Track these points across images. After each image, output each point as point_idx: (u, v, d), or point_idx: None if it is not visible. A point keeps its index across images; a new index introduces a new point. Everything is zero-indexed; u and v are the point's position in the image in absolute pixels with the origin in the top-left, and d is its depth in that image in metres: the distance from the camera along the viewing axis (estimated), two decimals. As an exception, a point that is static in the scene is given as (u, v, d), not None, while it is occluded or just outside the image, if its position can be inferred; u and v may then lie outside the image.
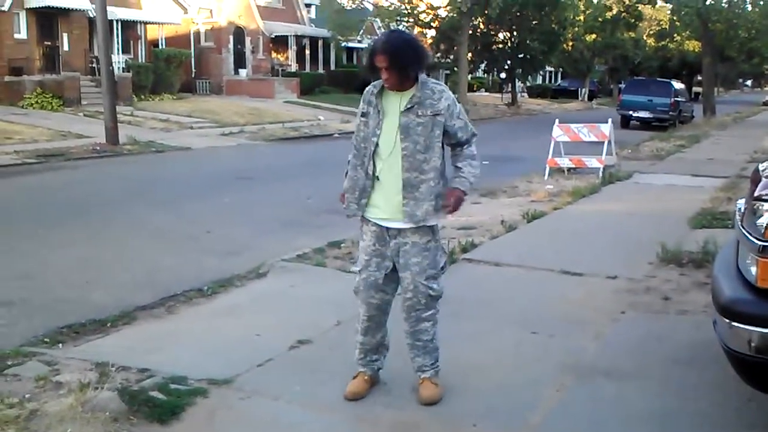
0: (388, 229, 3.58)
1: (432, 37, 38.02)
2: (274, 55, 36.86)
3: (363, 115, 3.60)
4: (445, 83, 29.09)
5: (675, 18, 34.88)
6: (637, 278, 5.89)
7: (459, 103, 3.65)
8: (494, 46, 39.94)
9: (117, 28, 25.55)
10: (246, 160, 15.81)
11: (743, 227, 3.25)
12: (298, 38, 37.65)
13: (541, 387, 3.89)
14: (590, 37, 46.38)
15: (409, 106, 3.48)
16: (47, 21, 24.36)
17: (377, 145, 3.53)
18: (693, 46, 50.11)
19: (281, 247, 7.09)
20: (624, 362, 4.21)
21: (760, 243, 2.99)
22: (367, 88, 3.62)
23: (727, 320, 3.06)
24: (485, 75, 51.17)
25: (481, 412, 3.59)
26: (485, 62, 42.41)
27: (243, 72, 33.53)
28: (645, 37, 54.64)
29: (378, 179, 3.56)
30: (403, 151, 3.50)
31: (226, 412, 3.53)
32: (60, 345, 4.55)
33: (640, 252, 6.64)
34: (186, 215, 9.19)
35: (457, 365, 4.02)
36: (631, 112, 27.55)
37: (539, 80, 60.10)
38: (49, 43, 24.68)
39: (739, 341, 3.02)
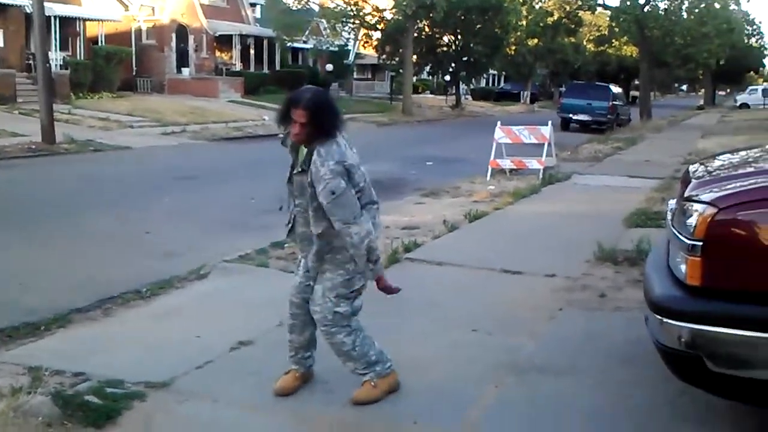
0: None
1: (377, 39, 38.17)
2: (218, 54, 36.37)
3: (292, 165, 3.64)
4: (391, 85, 29.08)
5: (614, 24, 35.71)
6: (574, 276, 6.03)
7: (335, 183, 3.34)
8: (439, 49, 40.27)
9: (55, 25, 24.78)
10: (188, 159, 15.56)
11: (674, 226, 3.36)
12: (243, 37, 37.24)
13: (480, 384, 3.95)
14: (532, 42, 47.16)
15: (302, 168, 3.50)
16: (-20, 16, 23.55)
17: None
18: (631, 51, 51.55)
19: (223, 247, 7.01)
20: (560, 359, 4.31)
21: (689, 242, 3.10)
22: (282, 137, 3.64)
23: (658, 316, 3.16)
24: (430, 77, 51.56)
25: (422, 409, 3.63)
26: (430, 65, 42.73)
27: (186, 71, 32.98)
28: (585, 43, 55.87)
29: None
30: (297, 207, 3.60)
31: (163, 415, 3.48)
32: (-11, 350, 4.41)
33: (577, 251, 6.79)
34: (125, 216, 9.00)
35: (398, 364, 4.01)
36: (570, 115, 28.16)
37: (483, 83, 60.87)
38: (-18, 38, 23.83)
39: (670, 337, 3.12)
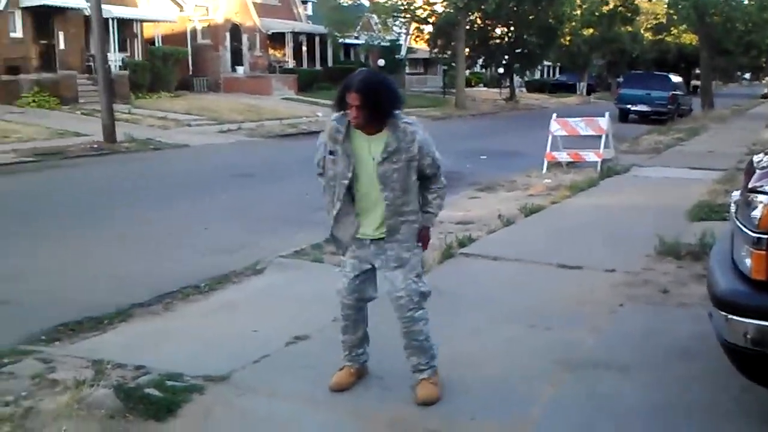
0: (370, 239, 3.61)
1: (429, 33, 38.01)
2: (271, 52, 36.79)
3: (331, 153, 3.52)
4: (443, 79, 28.90)
5: (672, 11, 34.81)
6: (635, 271, 5.89)
7: (425, 136, 3.52)
8: (492, 42, 39.90)
9: (113, 26, 25.46)
10: (244, 157, 15.78)
11: (738, 219, 3.24)
12: (295, 35, 37.59)
13: (538, 381, 3.88)
14: (587, 32, 46.33)
15: (384, 156, 3.44)
16: (43, 20, 24.28)
17: (354, 189, 3.53)
18: (690, 39, 50.04)
19: (279, 243, 7.07)
20: (621, 355, 4.20)
21: (754, 235, 2.98)
22: (331, 124, 3.53)
23: (723, 313, 3.05)
24: (483, 70, 51.12)
25: (480, 405, 3.59)
26: (483, 57, 42.37)
27: (240, 69, 33.47)
28: (642, 31, 54.55)
29: (358, 215, 3.58)
30: (385, 201, 3.50)
31: (222, 408, 3.52)
32: (56, 343, 4.54)
33: (638, 245, 6.63)
34: (183, 212, 9.18)
35: (454, 360, 4.01)
36: (629, 106, 27.52)
37: (537, 75, 60.05)
38: (45, 41, 24.60)
39: (735, 333, 3.02)
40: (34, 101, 21.89)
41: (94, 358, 4.06)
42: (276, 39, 36.84)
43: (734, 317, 2.99)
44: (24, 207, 9.54)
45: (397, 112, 3.45)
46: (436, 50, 38.66)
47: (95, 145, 15.56)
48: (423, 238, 3.65)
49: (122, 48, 26.85)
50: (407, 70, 48.22)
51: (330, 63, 39.79)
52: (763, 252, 2.93)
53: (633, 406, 3.60)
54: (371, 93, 3.34)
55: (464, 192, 10.57)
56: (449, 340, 4.37)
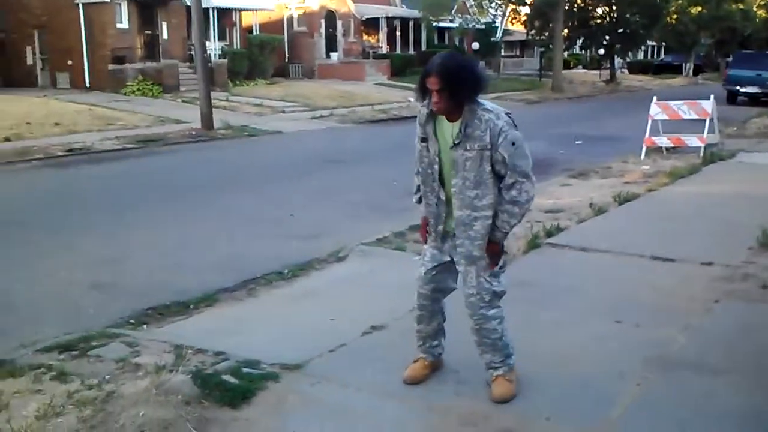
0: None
1: (526, 14, 37.14)
2: (365, 37, 36.94)
3: (423, 140, 3.44)
4: (540, 61, 28.10)
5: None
6: (734, 265, 5.54)
7: (514, 133, 3.28)
8: (592, 22, 38.58)
9: (213, 16, 26.22)
10: (335, 143, 15.93)
11: None
12: (389, 20, 37.56)
13: (623, 380, 3.70)
14: (695, 10, 44.03)
15: (457, 141, 3.31)
16: (147, 11, 25.28)
17: (443, 177, 3.41)
18: (809, 14, 46.76)
19: (363, 230, 7.08)
20: (714, 356, 3.96)
21: None
22: (420, 111, 3.45)
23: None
24: (582, 51, 49.51)
25: (557, 405, 3.45)
26: (582, 38, 41.02)
27: (334, 55, 33.79)
28: (755, 8, 51.36)
29: (446, 204, 3.46)
30: (453, 188, 3.37)
31: (295, 397, 3.53)
32: (144, 326, 4.71)
33: (739, 237, 6.24)
34: (273, 199, 9.34)
35: (534, 355, 3.88)
36: (738, 87, 25.96)
37: (640, 56, 57.69)
38: (150, 32, 25.61)
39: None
40: (138, 89, 22.84)
41: (177, 343, 4.17)
42: (370, 24, 36.93)
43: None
44: (122, 193, 9.96)
45: (478, 96, 3.28)
46: (533, 32, 37.70)
47: (193, 132, 16.07)
48: (489, 252, 3.41)
49: (221, 37, 27.61)
50: (503, 52, 47.30)
51: (423, 47, 39.54)
52: None
53: (726, 411, 3.38)
54: (451, 76, 3.20)
55: (556, 179, 10.27)
56: (530, 335, 4.24)
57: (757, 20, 51.76)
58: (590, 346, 4.17)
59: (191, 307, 5.06)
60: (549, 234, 6.51)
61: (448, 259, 3.53)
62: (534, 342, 4.12)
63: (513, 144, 3.25)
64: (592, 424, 3.31)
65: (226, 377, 3.59)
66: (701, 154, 11.40)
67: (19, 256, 6.62)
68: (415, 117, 3.54)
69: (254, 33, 29.74)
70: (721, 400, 3.48)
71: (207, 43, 24.06)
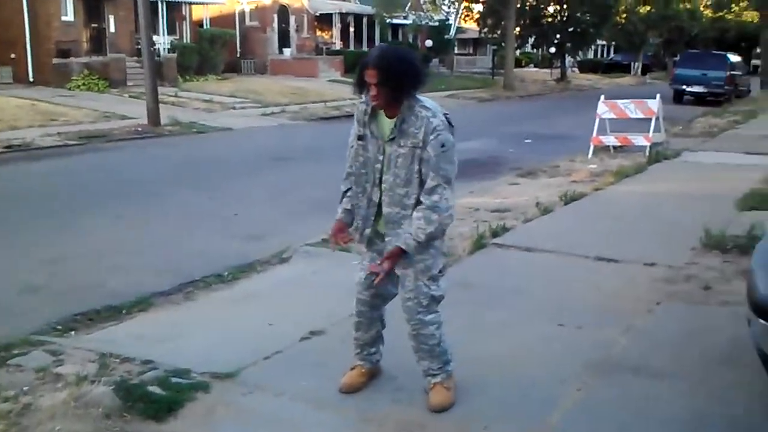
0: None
1: (479, 12, 37.34)
2: (318, 33, 36.66)
3: (360, 138, 3.30)
4: (493, 59, 28.06)
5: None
6: (677, 266, 5.55)
7: (447, 135, 3.13)
8: (543, 20, 38.98)
9: (162, 9, 25.67)
10: (285, 140, 15.70)
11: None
12: (343, 16, 37.38)
13: (563, 384, 3.64)
14: (644, 9, 44.88)
15: (392, 136, 3.18)
16: (94, 3, 24.55)
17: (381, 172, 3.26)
18: (752, 16, 48.04)
19: (308, 230, 6.90)
20: (655, 359, 3.93)
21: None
22: (358, 107, 3.31)
23: (763, 321, 2.76)
24: (534, 50, 50.03)
25: (496, 411, 3.37)
26: (534, 37, 41.43)
27: (287, 51, 33.45)
28: (701, 8, 52.59)
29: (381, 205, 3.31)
30: (384, 184, 3.24)
31: (225, 408, 3.38)
32: (72, 332, 4.49)
33: (682, 237, 6.28)
34: (218, 197, 9.12)
35: (474, 359, 3.80)
36: (684, 87, 26.48)
37: (591, 54, 58.55)
38: (96, 24, 24.90)
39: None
40: (83, 84, 22.21)
41: (103, 351, 3.97)
42: (323, 20, 36.69)
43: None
44: (61, 192, 9.61)
45: (417, 91, 3.15)
46: (485, 30, 37.92)
47: (139, 128, 15.66)
48: (387, 256, 3.24)
49: (171, 31, 27.07)
50: (456, 50, 47.49)
51: (377, 44, 39.45)
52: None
53: (668, 415, 3.34)
54: (390, 69, 3.06)
55: (504, 178, 10.28)
56: (474, 337, 4.18)
57: (704, 20, 53.04)
58: (534, 348, 4.11)
59: (123, 312, 4.85)
60: (495, 234, 6.46)
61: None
62: (477, 344, 4.05)
63: (442, 146, 3.11)
64: (532, 428, 3.23)
65: (152, 388, 3.41)
66: (647, 153, 11.53)
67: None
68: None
69: (205, 27, 29.22)
70: (663, 404, 3.45)
71: (156, 37, 23.60)
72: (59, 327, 4.55)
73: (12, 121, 15.72)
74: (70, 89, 21.75)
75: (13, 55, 23.57)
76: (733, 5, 48.13)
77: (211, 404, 3.40)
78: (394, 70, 3.08)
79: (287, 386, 3.60)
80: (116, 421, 3.13)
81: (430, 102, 3.22)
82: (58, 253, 6.46)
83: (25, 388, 3.46)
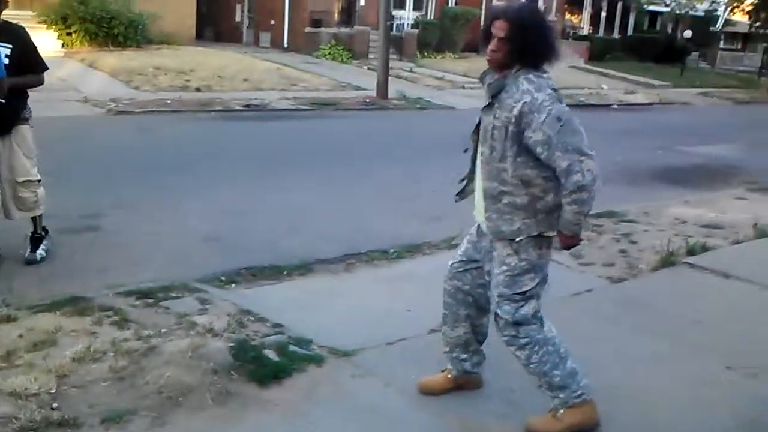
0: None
1: (751, 4, 33.61)
2: (567, 16, 35.40)
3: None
4: (762, 58, 24.99)
5: None
6: None
7: (559, 107, 2.78)
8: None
9: (409, -16, 26.32)
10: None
11: None
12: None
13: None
14: None
15: (488, 102, 2.86)
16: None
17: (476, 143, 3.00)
18: None
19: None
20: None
21: None
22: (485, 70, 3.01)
23: None
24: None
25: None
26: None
27: (531, 33, 32.71)
28: None
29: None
30: (481, 156, 2.94)
31: (330, 386, 3.35)
32: (233, 285, 4.75)
33: None
34: (415, 174, 9.16)
35: (611, 390, 3.36)
36: None
37: None
38: (348, -3, 26.26)
39: None
40: (329, 53, 23.52)
41: (245, 308, 4.14)
42: (574, 2, 35.31)
43: None
44: (277, 152, 10.24)
45: (539, 64, 2.82)
46: (757, 24, 34.07)
47: (367, 100, 16.25)
48: (562, 244, 2.92)
49: (417, 6, 27.67)
50: (722, 45, 43.33)
51: (629, 31, 37.19)
52: None
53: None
54: (524, 28, 2.78)
55: (731, 191, 9.16)
56: (619, 364, 3.75)
57: None
58: (686, 391, 3.58)
59: (284, 273, 5.05)
60: (690, 252, 5.76)
61: (478, 257, 3.14)
62: (626, 375, 3.62)
63: (559, 120, 2.73)
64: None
65: (268, 352, 3.49)
66: None
67: (155, 198, 6.98)
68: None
69: (449, 4, 29.48)
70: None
71: (401, 12, 24.30)
72: (223, 278, 4.83)
73: (258, 83, 17.10)
74: (317, 57, 23.17)
75: (272, 22, 25.64)
76: None
77: (319, 379, 3.39)
78: (526, 32, 2.79)
79: (398, 377, 3.49)
80: (222, 377, 3.24)
81: (540, 78, 2.83)
82: (248, 207, 6.89)
83: (163, 330, 3.71)
